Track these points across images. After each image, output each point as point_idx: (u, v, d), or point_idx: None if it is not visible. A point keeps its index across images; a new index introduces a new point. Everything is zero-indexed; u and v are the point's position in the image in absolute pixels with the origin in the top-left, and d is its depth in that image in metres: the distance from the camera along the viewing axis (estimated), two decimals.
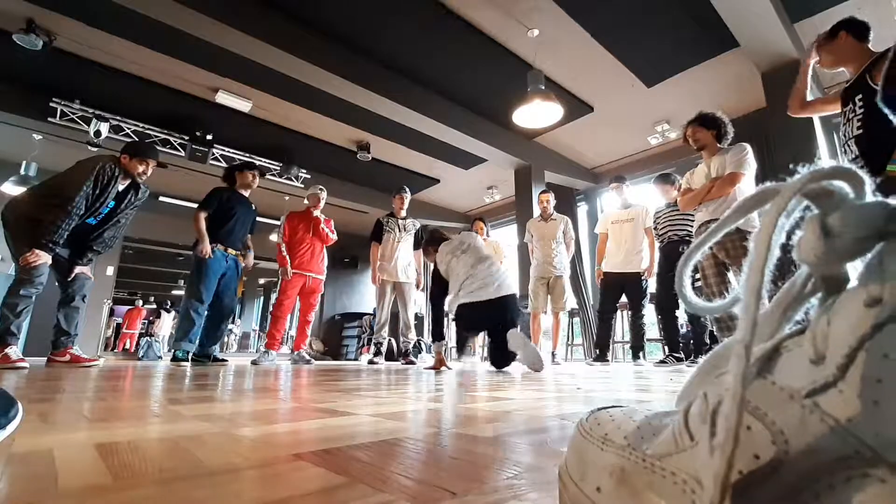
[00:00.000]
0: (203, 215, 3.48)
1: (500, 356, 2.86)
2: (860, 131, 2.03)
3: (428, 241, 3.30)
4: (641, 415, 0.26)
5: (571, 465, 0.26)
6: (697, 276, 3.12)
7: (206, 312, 3.44)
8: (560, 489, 0.27)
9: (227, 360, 3.79)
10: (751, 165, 2.79)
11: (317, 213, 4.32)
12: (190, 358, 3.44)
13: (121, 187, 2.94)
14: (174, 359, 3.34)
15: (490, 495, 0.35)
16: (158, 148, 5.31)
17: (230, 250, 3.58)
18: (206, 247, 3.40)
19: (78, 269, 2.91)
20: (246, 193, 3.76)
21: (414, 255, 4.55)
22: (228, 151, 5.70)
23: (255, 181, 3.79)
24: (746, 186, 2.83)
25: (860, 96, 2.04)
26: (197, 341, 3.44)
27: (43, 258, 2.61)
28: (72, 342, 2.86)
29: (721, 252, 2.83)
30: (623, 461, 0.22)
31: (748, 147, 2.83)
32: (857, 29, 2.12)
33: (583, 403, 1.01)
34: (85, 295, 2.95)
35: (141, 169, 2.94)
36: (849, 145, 2.10)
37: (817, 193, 0.18)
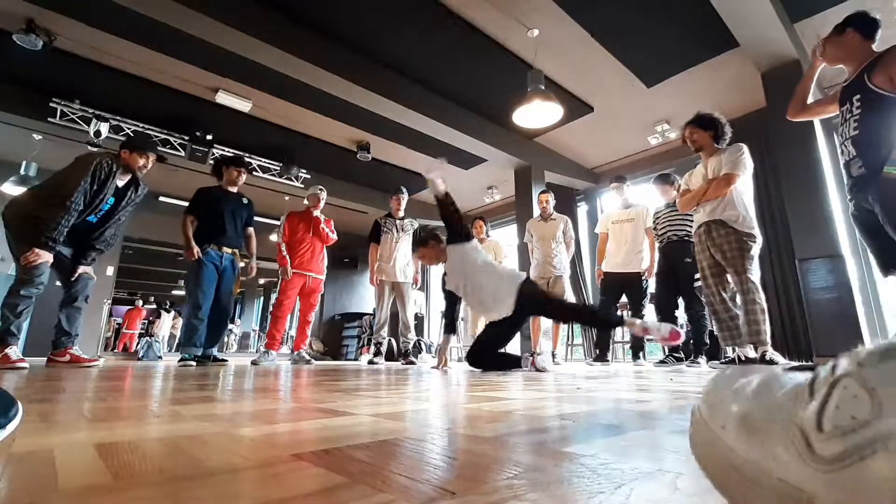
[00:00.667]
0: (189, 219, 3.46)
1: (499, 354, 2.84)
2: (857, 132, 2.03)
3: (431, 237, 3.03)
4: (769, 374, 0.30)
5: (704, 407, 0.32)
6: (698, 276, 3.12)
7: (207, 316, 3.44)
8: (691, 423, 0.33)
9: (226, 361, 3.79)
10: (747, 166, 2.79)
11: (317, 213, 4.32)
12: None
13: (120, 183, 2.95)
14: (181, 360, 3.34)
15: (490, 495, 0.35)
16: (158, 148, 5.31)
17: (225, 249, 3.56)
18: (194, 250, 3.37)
19: (81, 269, 2.91)
20: (234, 189, 3.70)
21: (412, 255, 4.55)
22: (228, 151, 5.69)
23: (241, 177, 3.72)
24: (743, 187, 2.83)
25: (858, 96, 2.03)
26: (202, 344, 3.45)
27: (43, 257, 2.61)
28: (72, 342, 2.86)
29: (718, 253, 2.83)
30: (747, 409, 0.27)
31: (745, 147, 2.83)
32: (865, 26, 2.10)
33: (583, 403, 1.01)
34: (88, 295, 2.96)
35: (142, 162, 2.95)
36: (846, 146, 2.09)
37: None
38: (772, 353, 2.64)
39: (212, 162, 5.48)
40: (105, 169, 2.78)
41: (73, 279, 2.87)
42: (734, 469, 0.26)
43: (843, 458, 0.20)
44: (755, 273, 2.74)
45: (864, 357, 0.22)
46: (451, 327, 3.03)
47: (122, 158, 2.92)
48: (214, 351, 3.59)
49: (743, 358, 2.75)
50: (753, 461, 0.25)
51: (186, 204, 3.59)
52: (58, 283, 2.97)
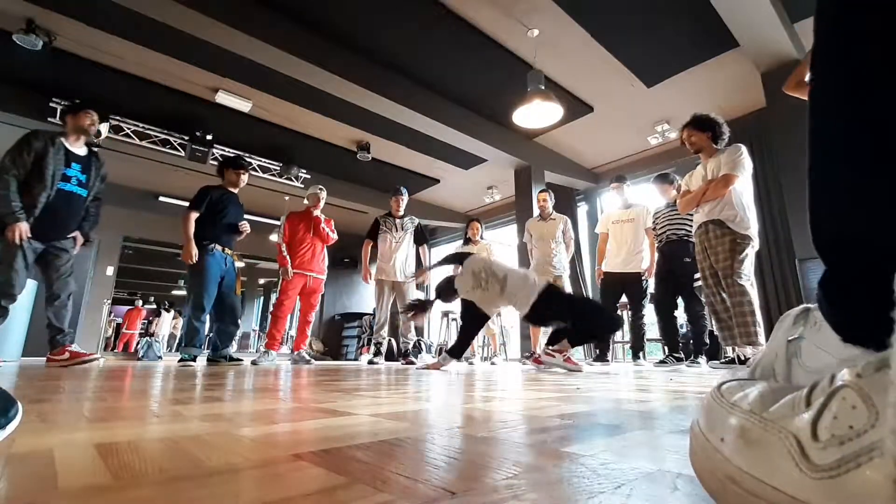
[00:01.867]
0: (193, 216, 3.40)
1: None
2: None
3: (445, 290, 3.18)
4: (766, 386, 0.31)
5: (703, 421, 0.33)
6: (697, 275, 3.12)
7: (208, 319, 3.44)
8: (691, 437, 0.34)
9: (242, 360, 3.78)
10: (745, 167, 2.79)
11: (317, 212, 4.32)
12: (207, 360, 3.49)
13: (79, 151, 2.98)
14: (181, 360, 3.34)
15: (490, 495, 0.35)
16: (158, 148, 5.32)
17: (227, 250, 3.56)
18: (192, 253, 3.32)
19: (77, 234, 2.99)
20: (235, 190, 3.71)
21: (420, 250, 4.59)
22: (228, 151, 5.70)
23: (242, 178, 3.72)
24: (742, 187, 2.83)
25: None
26: (203, 346, 3.45)
27: (15, 228, 2.62)
28: (69, 339, 2.86)
29: (712, 256, 2.84)
30: (745, 422, 0.28)
31: (743, 148, 2.83)
32: None
33: (583, 403, 1.01)
34: (70, 293, 2.95)
35: (87, 122, 2.98)
36: None
37: None
38: None
39: (214, 163, 5.50)
40: (38, 137, 2.81)
41: (56, 277, 2.89)
42: (732, 481, 0.26)
43: (839, 466, 0.20)
44: (747, 275, 2.74)
45: (862, 368, 0.22)
46: (459, 354, 3.09)
47: (68, 123, 2.97)
48: (231, 351, 3.61)
49: (742, 357, 2.75)
50: (751, 472, 0.25)
51: (185, 204, 3.54)
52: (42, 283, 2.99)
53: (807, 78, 2.12)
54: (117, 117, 5.01)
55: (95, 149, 3.13)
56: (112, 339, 11.05)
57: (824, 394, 0.24)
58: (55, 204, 2.81)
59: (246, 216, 3.78)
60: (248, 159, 5.86)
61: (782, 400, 0.27)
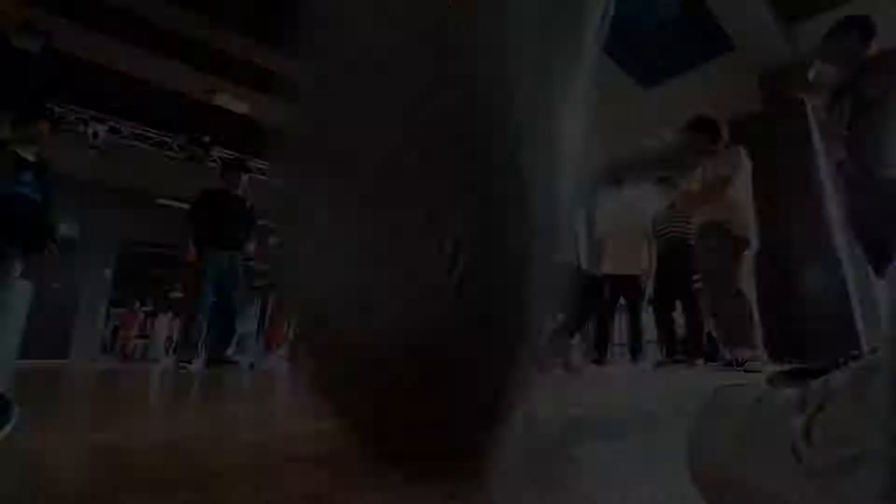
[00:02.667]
0: (193, 217, 3.46)
1: None
2: (848, 132, 2.05)
3: None
4: (761, 389, 0.31)
5: (699, 423, 0.33)
6: (696, 277, 3.13)
7: (206, 319, 3.43)
8: (688, 439, 0.34)
9: (238, 361, 3.77)
10: (744, 168, 2.80)
11: None
12: (204, 362, 3.46)
13: (28, 157, 2.95)
14: (178, 362, 3.31)
15: (490, 495, 0.35)
16: (156, 150, 5.31)
17: (225, 252, 3.54)
18: (192, 249, 3.37)
19: (53, 248, 2.95)
20: (237, 192, 3.69)
21: None
22: (227, 153, 5.68)
23: (238, 179, 3.72)
24: (741, 188, 2.84)
25: (849, 98, 2.06)
26: (200, 348, 3.44)
27: None
28: None
29: (711, 257, 2.85)
30: (741, 424, 0.28)
31: (741, 149, 2.84)
32: (864, 31, 2.11)
33: (583, 404, 1.01)
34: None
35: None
36: (838, 146, 2.12)
37: None
38: (761, 355, 2.66)
39: (213, 164, 5.50)
40: None
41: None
42: (728, 484, 0.27)
43: (833, 469, 0.21)
44: (743, 277, 2.75)
45: (857, 369, 0.23)
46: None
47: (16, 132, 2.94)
48: (229, 352, 3.60)
49: (740, 360, 2.76)
50: (746, 476, 0.25)
51: (184, 206, 3.58)
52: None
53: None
54: (116, 118, 5.00)
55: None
56: (109, 341, 11.00)
57: (819, 396, 0.24)
58: (9, 207, 2.76)
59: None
60: (249, 163, 5.85)
61: (777, 402, 0.27)
